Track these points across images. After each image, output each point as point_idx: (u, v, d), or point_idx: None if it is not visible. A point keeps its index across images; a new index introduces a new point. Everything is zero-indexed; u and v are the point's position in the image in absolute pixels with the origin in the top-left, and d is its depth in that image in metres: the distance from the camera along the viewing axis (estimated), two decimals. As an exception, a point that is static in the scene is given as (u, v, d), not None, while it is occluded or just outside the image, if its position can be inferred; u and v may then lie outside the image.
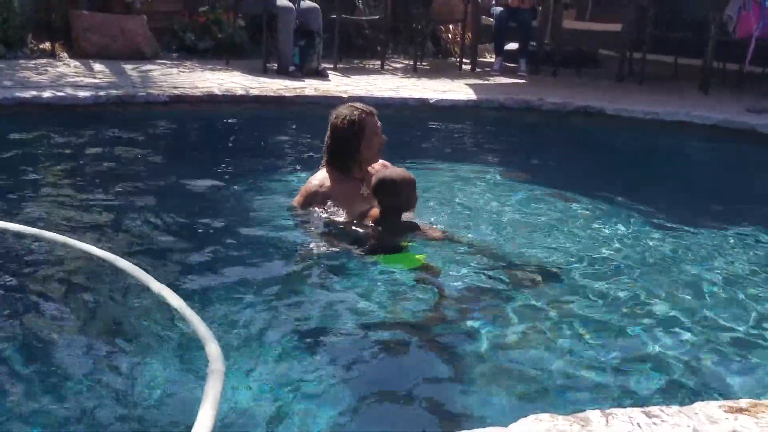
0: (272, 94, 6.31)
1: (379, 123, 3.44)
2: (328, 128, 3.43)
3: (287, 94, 6.33)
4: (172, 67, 7.23)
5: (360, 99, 6.36)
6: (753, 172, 5.26)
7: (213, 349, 2.08)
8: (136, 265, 2.67)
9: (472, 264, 3.05)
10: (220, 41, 8.01)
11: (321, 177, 3.43)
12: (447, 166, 5.05)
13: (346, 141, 3.37)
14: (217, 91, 6.15)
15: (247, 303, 2.61)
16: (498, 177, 4.91)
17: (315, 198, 3.37)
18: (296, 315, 2.58)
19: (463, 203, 3.97)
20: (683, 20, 7.72)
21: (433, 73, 8.24)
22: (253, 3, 7.49)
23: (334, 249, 3.11)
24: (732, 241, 3.55)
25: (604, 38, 8.10)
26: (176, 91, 5.98)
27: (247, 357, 2.26)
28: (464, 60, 8.78)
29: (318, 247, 3.15)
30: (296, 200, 3.45)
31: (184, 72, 7.03)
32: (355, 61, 8.68)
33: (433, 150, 5.62)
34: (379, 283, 2.86)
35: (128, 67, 6.92)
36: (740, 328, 2.65)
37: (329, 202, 3.34)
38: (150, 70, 6.92)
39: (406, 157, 5.12)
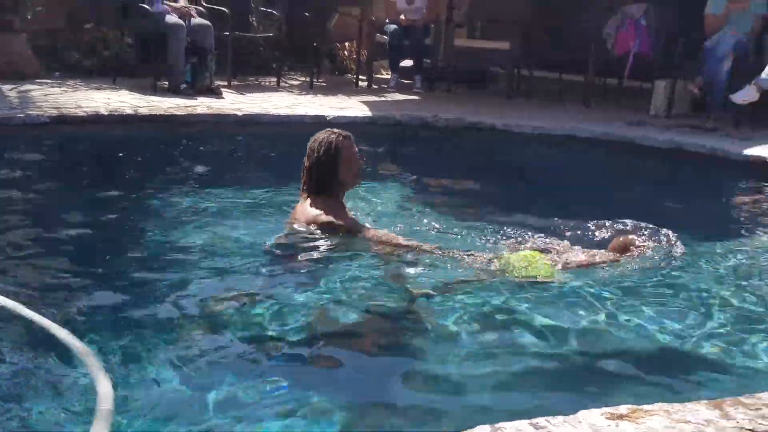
0: (163, 113, 6.16)
1: (356, 147, 3.49)
2: (306, 153, 3.45)
3: (179, 113, 6.20)
4: (54, 87, 6.97)
5: (255, 117, 6.45)
6: (631, 180, 5.52)
7: (104, 387, 1.95)
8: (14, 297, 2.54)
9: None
10: (107, 59, 7.78)
11: (320, 211, 3.39)
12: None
13: (326, 165, 3.40)
14: (103, 111, 5.96)
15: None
16: (395, 192, 4.98)
17: (324, 229, 3.36)
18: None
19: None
20: (566, 38, 8.05)
21: (330, 90, 8.27)
22: (140, 20, 7.31)
23: None
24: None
25: (494, 56, 8.35)
26: (58, 112, 5.74)
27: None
28: (361, 77, 8.85)
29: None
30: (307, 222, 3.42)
31: (67, 91, 6.78)
32: (251, 79, 8.61)
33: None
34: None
35: (6, 88, 6.60)
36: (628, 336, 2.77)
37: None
38: (30, 90, 6.62)
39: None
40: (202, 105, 6.57)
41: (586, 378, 2.49)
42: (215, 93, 7.17)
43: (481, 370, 2.45)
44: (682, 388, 2.39)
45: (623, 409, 1.81)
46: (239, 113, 6.40)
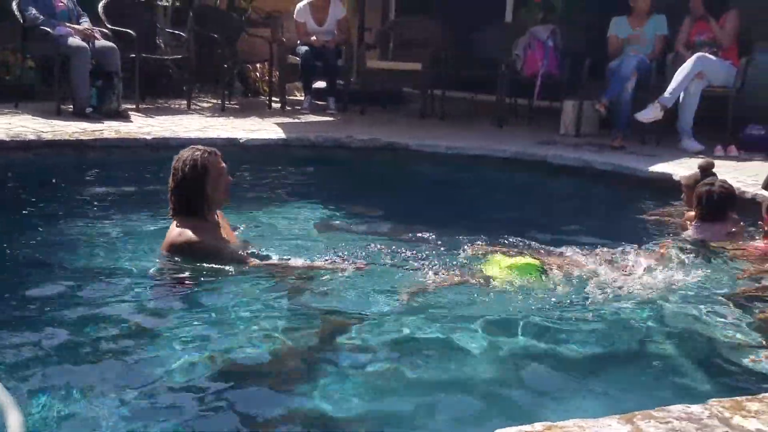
0: (68, 137, 5.93)
1: (223, 163, 3.37)
2: (171, 174, 3.31)
3: (85, 138, 5.98)
4: (-50, 112, 6.64)
5: (165, 140, 6.28)
6: (544, 198, 5.62)
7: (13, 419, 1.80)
8: None
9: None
10: (8, 83, 7.46)
11: (180, 230, 3.27)
12: (260, 206, 5.00)
13: (192, 184, 3.27)
14: (3, 137, 5.69)
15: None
16: (310, 214, 4.93)
17: (183, 252, 3.25)
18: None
19: (282, 241, 3.95)
20: (477, 59, 8.19)
21: (243, 112, 8.16)
22: (42, 43, 7.05)
23: None
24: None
25: (407, 77, 8.42)
26: (-47, 138, 5.47)
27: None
28: (274, 98, 8.77)
29: None
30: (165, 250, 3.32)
31: (-35, 117, 6.47)
32: (160, 101, 8.41)
33: (245, 190, 5.53)
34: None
35: None
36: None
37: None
38: None
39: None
40: (109, 129, 6.37)
41: (501, 396, 2.48)
42: (123, 116, 6.97)
43: (389, 396, 2.41)
44: (597, 403, 2.41)
45: (539, 426, 1.80)
46: (148, 137, 6.22)
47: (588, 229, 4.44)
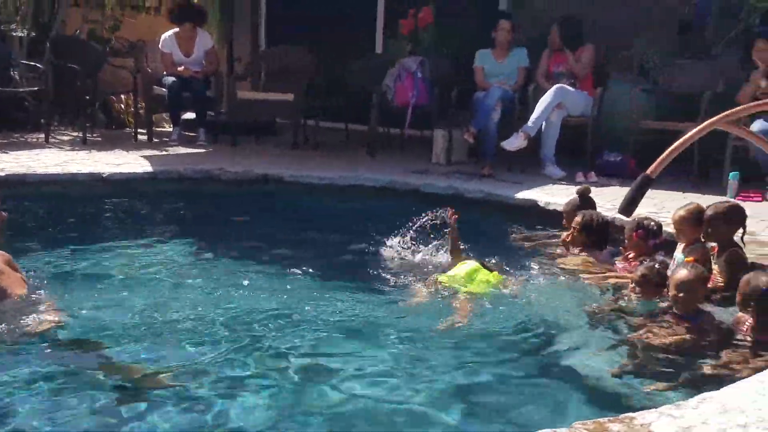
0: None
1: None
2: None
3: (-71, 176, 5.57)
4: None
5: (20, 177, 5.93)
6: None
7: None
8: None
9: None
10: None
11: None
12: (125, 243, 4.81)
13: None
14: None
15: None
16: (179, 249, 4.78)
17: None
18: None
19: (149, 280, 3.82)
20: (349, 90, 8.24)
21: (106, 145, 7.83)
22: None
23: None
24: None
25: (279, 107, 8.35)
26: None
27: None
28: (140, 130, 8.47)
29: None
30: None
31: None
32: (15, 136, 7.96)
33: (109, 227, 5.30)
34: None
35: None
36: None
37: None
38: None
39: (78, 238, 4.79)
40: (-43, 165, 5.95)
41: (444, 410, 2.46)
42: (-27, 152, 6.53)
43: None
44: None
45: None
46: (2, 173, 5.86)
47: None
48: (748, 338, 3.14)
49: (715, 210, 3.88)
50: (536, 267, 4.35)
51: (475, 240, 4.76)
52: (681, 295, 3.29)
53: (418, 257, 4.43)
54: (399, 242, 4.53)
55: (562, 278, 4.18)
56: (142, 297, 3.66)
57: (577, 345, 3.30)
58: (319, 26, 9.31)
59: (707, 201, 4.11)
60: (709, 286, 3.54)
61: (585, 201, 4.97)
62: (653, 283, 3.61)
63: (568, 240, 4.61)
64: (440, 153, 7.56)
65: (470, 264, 4.00)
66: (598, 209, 4.93)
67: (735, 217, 3.89)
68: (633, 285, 3.69)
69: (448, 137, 7.53)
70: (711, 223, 3.86)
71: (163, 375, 2.77)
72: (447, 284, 3.89)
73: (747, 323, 3.20)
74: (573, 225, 4.57)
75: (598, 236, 4.50)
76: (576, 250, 4.54)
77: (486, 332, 3.38)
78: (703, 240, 3.95)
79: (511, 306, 3.73)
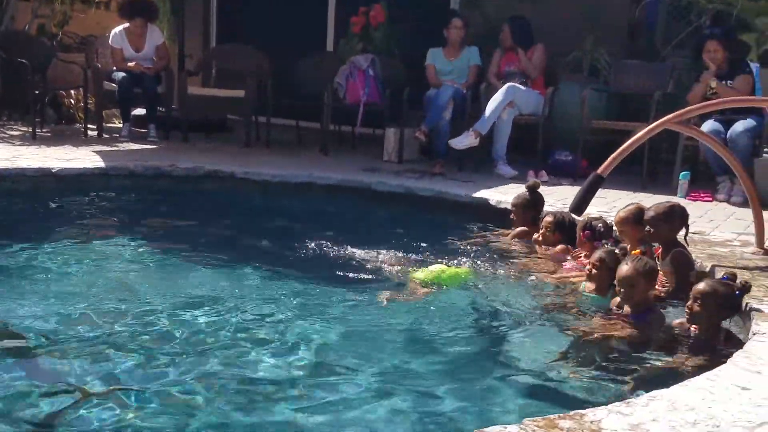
0: None
1: None
2: None
3: None
4: None
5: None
6: (368, 224, 5.72)
7: None
8: None
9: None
10: None
11: None
12: (74, 239, 4.74)
13: None
14: None
15: None
16: (128, 245, 4.74)
17: None
18: None
19: (96, 277, 3.79)
20: (301, 87, 8.22)
21: (56, 140, 7.70)
22: None
23: None
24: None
25: (230, 104, 8.30)
26: None
27: None
28: (90, 126, 8.34)
29: None
30: None
31: None
32: (-40, 130, 7.79)
33: (59, 223, 5.22)
34: None
35: None
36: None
37: None
38: None
39: (25, 234, 4.71)
40: None
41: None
42: None
43: None
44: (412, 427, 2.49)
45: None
46: (-53, 169, 5.74)
47: (415, 254, 4.57)
48: (697, 338, 3.18)
49: (656, 210, 3.90)
50: (488, 265, 4.42)
51: (425, 238, 4.82)
52: (623, 289, 3.35)
53: (381, 257, 4.43)
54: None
55: (514, 275, 4.25)
56: (85, 296, 3.61)
57: (527, 341, 3.36)
58: (270, 23, 9.28)
59: (657, 201, 4.14)
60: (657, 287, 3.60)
61: (534, 196, 5.08)
62: (608, 268, 3.58)
63: (540, 239, 4.69)
64: (392, 151, 7.61)
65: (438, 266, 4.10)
66: (548, 208, 5.04)
67: (676, 218, 3.91)
68: (589, 268, 3.72)
69: (400, 135, 7.57)
70: (652, 224, 3.88)
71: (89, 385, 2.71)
72: (418, 279, 3.92)
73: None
74: (545, 224, 4.66)
75: (569, 235, 4.57)
76: (546, 249, 4.64)
77: (438, 329, 3.42)
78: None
79: (464, 302, 3.79)
